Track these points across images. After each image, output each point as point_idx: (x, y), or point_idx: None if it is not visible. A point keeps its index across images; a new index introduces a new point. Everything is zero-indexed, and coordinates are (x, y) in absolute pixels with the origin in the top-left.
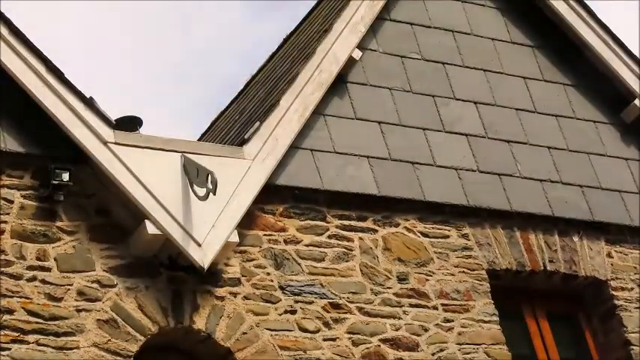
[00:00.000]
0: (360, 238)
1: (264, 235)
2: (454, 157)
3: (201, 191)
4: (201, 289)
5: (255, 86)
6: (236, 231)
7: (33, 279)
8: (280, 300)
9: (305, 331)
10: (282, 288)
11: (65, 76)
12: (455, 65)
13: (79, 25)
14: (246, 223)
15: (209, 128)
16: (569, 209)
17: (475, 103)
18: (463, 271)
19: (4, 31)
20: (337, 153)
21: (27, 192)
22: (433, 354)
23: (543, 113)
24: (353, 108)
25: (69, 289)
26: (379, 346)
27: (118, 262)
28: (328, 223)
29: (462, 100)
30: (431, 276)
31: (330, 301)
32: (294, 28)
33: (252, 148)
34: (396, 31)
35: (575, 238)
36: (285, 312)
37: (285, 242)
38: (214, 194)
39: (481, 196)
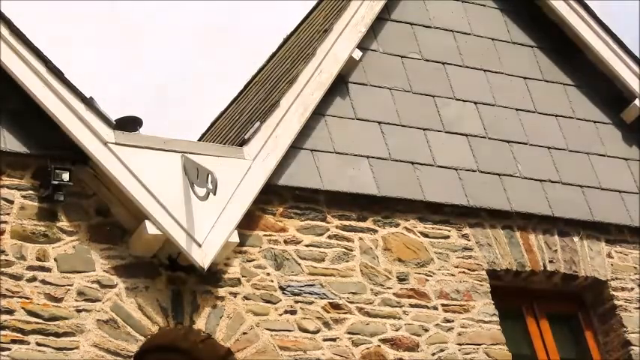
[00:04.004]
0: (360, 239)
1: (264, 235)
2: (454, 157)
3: (201, 191)
4: (201, 289)
5: (255, 86)
6: (236, 231)
7: (33, 279)
8: (280, 300)
9: (305, 331)
10: (282, 288)
11: (65, 76)
12: (455, 65)
13: (78, 24)
14: (246, 223)
15: (209, 128)
16: (569, 209)
17: (475, 103)
18: (463, 272)
19: (4, 31)
20: (337, 153)
21: (27, 192)
22: (433, 354)
23: (543, 113)
24: (353, 108)
25: (69, 290)
26: (379, 346)
27: (118, 262)
28: (328, 223)
29: (462, 100)
30: (431, 276)
31: (330, 301)
32: (294, 28)
33: (252, 148)
34: (396, 31)
35: (575, 238)
36: (285, 312)
37: (285, 242)
38: (214, 194)
39: (481, 196)
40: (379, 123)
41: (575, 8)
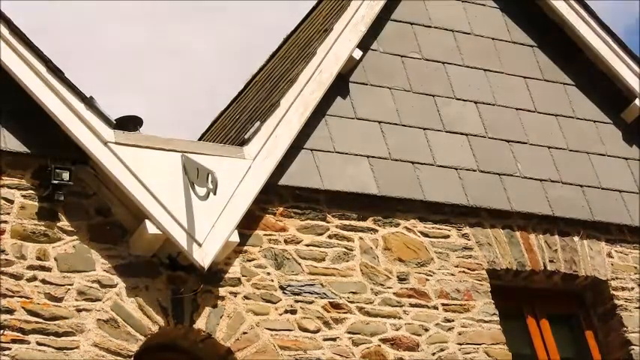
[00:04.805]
0: (360, 238)
1: (265, 234)
2: (454, 157)
3: (202, 191)
4: (202, 289)
5: (255, 86)
6: (236, 231)
7: (33, 279)
8: (280, 300)
9: (305, 330)
10: (282, 288)
11: (65, 75)
12: (455, 65)
13: (78, 23)
14: (247, 223)
15: (209, 128)
16: (569, 209)
17: (475, 103)
18: (463, 271)
19: (4, 31)
20: (337, 153)
21: (27, 192)
22: (433, 354)
23: (543, 113)
24: (353, 108)
25: (69, 289)
26: (379, 345)
27: (118, 262)
28: (328, 223)
29: (462, 100)
30: (431, 276)
31: (331, 300)
32: (294, 28)
33: (252, 148)
34: (396, 31)
35: (576, 238)
36: (286, 312)
37: (286, 242)
38: (214, 194)
39: (481, 196)
40: (379, 122)
41: (576, 8)
